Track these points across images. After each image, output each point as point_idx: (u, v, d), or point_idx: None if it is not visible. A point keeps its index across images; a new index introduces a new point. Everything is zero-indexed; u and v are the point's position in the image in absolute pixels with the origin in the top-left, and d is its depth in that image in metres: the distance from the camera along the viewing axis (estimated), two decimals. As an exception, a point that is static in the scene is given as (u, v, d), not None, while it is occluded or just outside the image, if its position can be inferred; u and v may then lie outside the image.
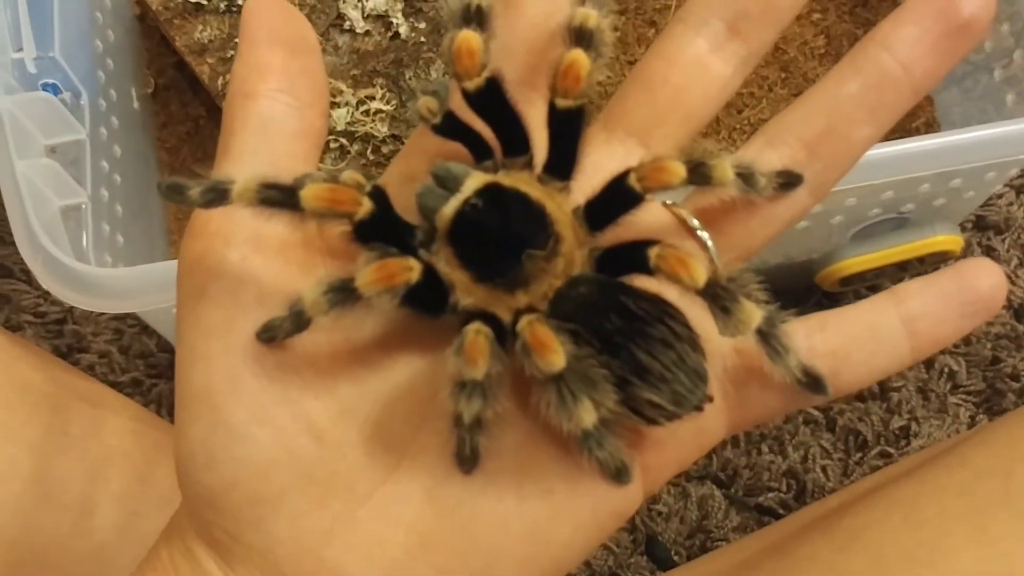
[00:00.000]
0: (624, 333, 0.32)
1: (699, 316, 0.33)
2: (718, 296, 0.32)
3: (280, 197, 0.32)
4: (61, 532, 0.56)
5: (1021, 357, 0.82)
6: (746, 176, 0.33)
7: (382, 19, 0.72)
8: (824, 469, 0.79)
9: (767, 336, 0.33)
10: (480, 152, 0.35)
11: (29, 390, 0.58)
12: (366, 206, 0.32)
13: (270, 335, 0.32)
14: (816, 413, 0.80)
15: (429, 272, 0.33)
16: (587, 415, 0.31)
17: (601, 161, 0.35)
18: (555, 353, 0.31)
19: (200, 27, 0.71)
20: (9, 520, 0.54)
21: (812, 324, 0.35)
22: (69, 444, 0.58)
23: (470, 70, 0.33)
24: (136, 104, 0.76)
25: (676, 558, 0.75)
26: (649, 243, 0.33)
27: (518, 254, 0.33)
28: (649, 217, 0.35)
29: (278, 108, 0.35)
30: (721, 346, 0.34)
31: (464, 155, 0.35)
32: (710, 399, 0.33)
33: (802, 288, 0.75)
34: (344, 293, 0.32)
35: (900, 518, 0.43)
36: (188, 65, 0.73)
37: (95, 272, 0.53)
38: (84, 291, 0.53)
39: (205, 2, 0.71)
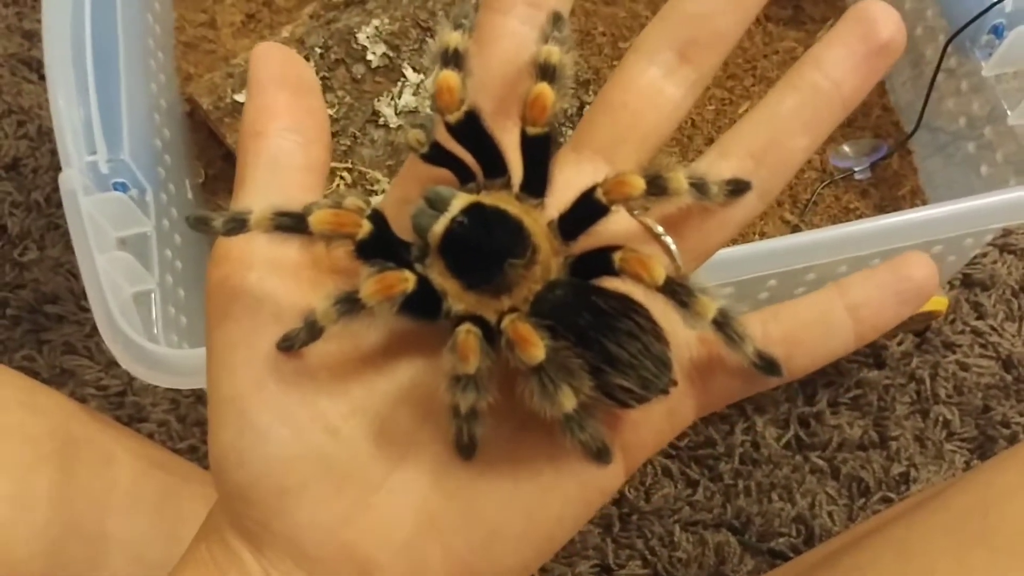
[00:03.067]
0: (596, 327, 0.34)
1: (667, 313, 0.35)
2: (676, 292, 0.35)
3: (291, 223, 0.35)
4: (87, 565, 0.57)
5: (1010, 405, 0.84)
6: (699, 185, 0.36)
7: (413, 115, 0.75)
8: (830, 514, 0.81)
9: (723, 326, 0.35)
10: (464, 176, 0.37)
11: (45, 419, 0.59)
12: (366, 227, 0.35)
13: (288, 344, 0.35)
14: (821, 463, 0.82)
15: (424, 283, 0.36)
16: (567, 400, 0.34)
17: (572, 178, 0.37)
18: (535, 347, 0.33)
19: (248, 125, 0.75)
20: (37, 551, 0.55)
21: (766, 314, 0.38)
22: (85, 478, 0.59)
23: (451, 105, 0.36)
24: (189, 194, 0.79)
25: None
26: (615, 248, 0.35)
27: (501, 263, 0.36)
28: (619, 227, 0.38)
29: (286, 145, 0.37)
30: (687, 338, 0.37)
31: (450, 179, 0.37)
32: (675, 383, 0.35)
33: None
34: (350, 304, 0.34)
35: (892, 556, 0.46)
36: (236, 157, 0.77)
37: (169, 353, 0.58)
38: (159, 369, 0.58)
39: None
